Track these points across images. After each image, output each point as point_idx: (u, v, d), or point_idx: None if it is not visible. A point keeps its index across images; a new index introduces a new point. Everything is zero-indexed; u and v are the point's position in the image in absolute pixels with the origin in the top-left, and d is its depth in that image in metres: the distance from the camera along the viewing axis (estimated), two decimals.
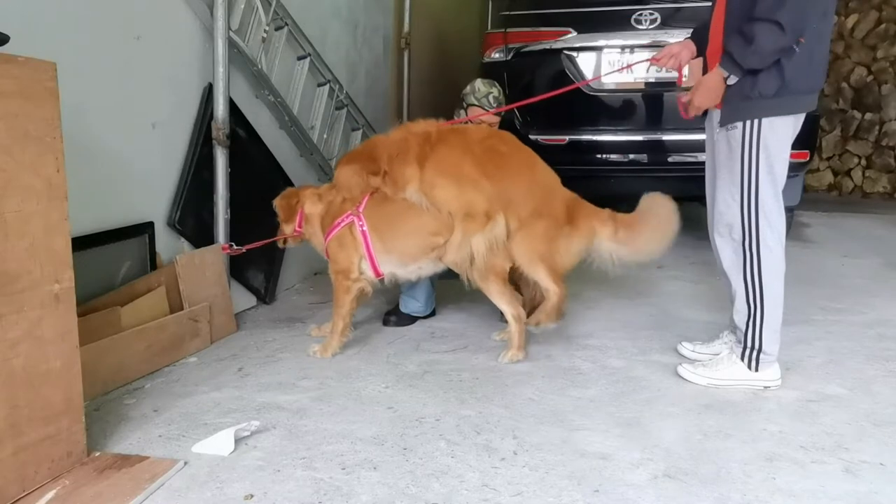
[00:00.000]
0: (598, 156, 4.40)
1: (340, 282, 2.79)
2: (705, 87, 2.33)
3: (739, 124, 2.30)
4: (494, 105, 3.22)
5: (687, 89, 2.45)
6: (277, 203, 2.99)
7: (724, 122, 2.36)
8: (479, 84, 3.25)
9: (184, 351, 2.73)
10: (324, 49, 4.02)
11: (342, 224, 2.78)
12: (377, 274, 2.82)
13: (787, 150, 2.35)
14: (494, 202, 2.63)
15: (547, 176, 2.79)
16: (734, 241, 2.42)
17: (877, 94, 7.82)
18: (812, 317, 3.23)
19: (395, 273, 2.84)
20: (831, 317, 3.26)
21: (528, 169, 2.76)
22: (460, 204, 2.65)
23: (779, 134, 2.29)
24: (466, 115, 3.22)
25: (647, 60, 2.74)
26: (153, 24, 2.75)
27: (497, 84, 3.30)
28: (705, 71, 2.49)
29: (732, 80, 2.25)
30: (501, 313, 3.13)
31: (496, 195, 2.64)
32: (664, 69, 2.65)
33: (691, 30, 2.64)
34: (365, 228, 2.76)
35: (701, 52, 2.52)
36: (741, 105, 2.29)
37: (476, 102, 3.21)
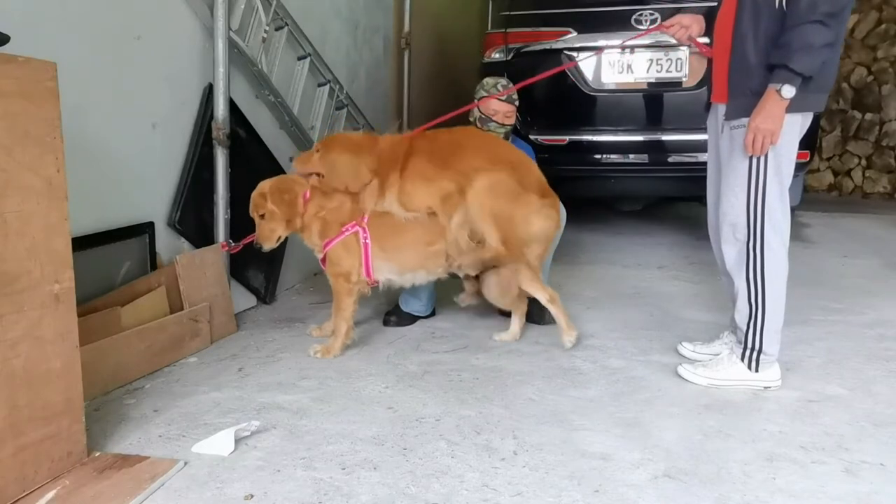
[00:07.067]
0: (599, 156, 4.40)
1: (342, 284, 2.79)
2: (765, 112, 2.19)
3: (746, 120, 2.26)
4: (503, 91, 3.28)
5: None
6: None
7: (730, 117, 2.34)
8: (487, 79, 3.33)
9: (184, 351, 2.73)
10: (324, 49, 4.02)
11: (347, 233, 2.78)
12: (370, 279, 2.83)
13: (795, 150, 2.33)
14: (461, 179, 2.67)
15: (512, 153, 2.83)
16: (738, 241, 2.40)
17: (877, 95, 7.81)
18: (812, 317, 3.23)
19: (391, 279, 2.86)
20: (831, 317, 3.26)
21: (488, 147, 2.82)
22: (436, 195, 2.69)
23: (788, 132, 2.25)
24: (478, 109, 3.27)
25: (656, 28, 2.70)
26: (153, 24, 2.75)
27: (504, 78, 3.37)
28: (709, 59, 2.45)
29: (788, 91, 2.15)
30: (500, 311, 3.14)
31: (460, 175, 2.68)
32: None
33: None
34: (368, 241, 2.77)
35: (708, 31, 2.49)
36: (750, 101, 2.25)
37: (486, 93, 3.27)
